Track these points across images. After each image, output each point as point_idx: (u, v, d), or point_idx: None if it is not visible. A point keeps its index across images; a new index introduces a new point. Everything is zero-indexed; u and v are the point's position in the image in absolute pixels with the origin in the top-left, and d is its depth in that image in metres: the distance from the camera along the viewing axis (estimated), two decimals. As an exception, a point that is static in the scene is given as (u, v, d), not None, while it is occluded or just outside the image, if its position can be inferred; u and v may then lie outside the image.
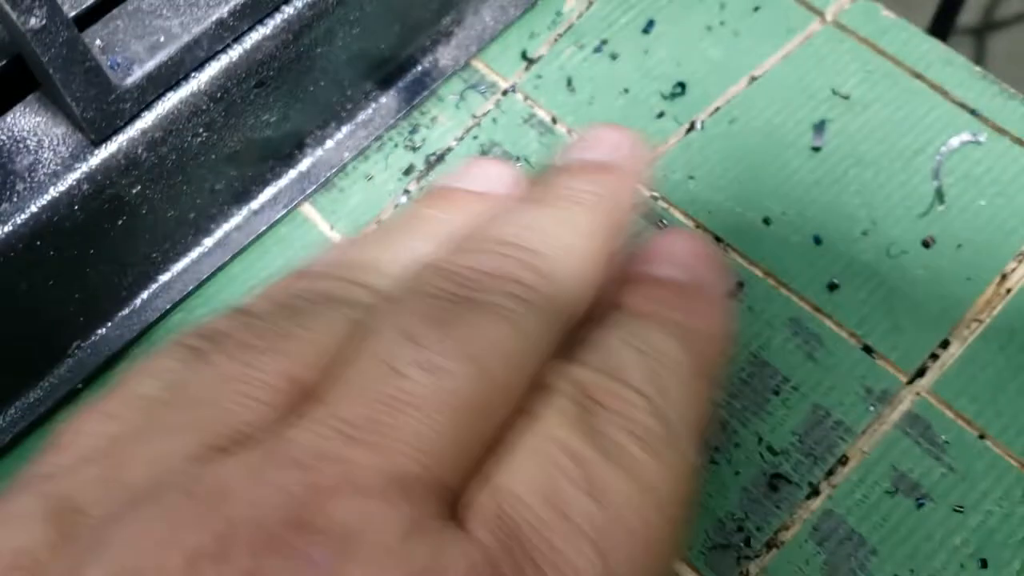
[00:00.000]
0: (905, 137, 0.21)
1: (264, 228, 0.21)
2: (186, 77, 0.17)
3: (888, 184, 0.20)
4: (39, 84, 0.17)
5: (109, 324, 0.20)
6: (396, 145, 0.22)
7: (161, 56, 0.17)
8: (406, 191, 0.21)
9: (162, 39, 0.17)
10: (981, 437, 0.18)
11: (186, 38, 0.17)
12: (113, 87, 0.16)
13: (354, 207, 0.21)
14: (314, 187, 0.21)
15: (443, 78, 0.22)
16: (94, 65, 0.16)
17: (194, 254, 0.20)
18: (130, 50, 0.17)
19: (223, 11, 0.17)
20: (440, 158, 0.21)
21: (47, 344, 0.19)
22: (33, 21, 0.15)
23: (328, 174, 0.21)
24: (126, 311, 0.20)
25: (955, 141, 0.21)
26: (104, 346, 0.20)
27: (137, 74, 0.17)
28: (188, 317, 0.20)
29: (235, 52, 0.18)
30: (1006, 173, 0.20)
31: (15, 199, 0.17)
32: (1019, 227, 0.20)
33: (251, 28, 0.18)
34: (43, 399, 0.19)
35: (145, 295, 0.20)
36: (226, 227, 0.20)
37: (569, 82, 0.22)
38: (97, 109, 0.16)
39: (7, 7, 0.14)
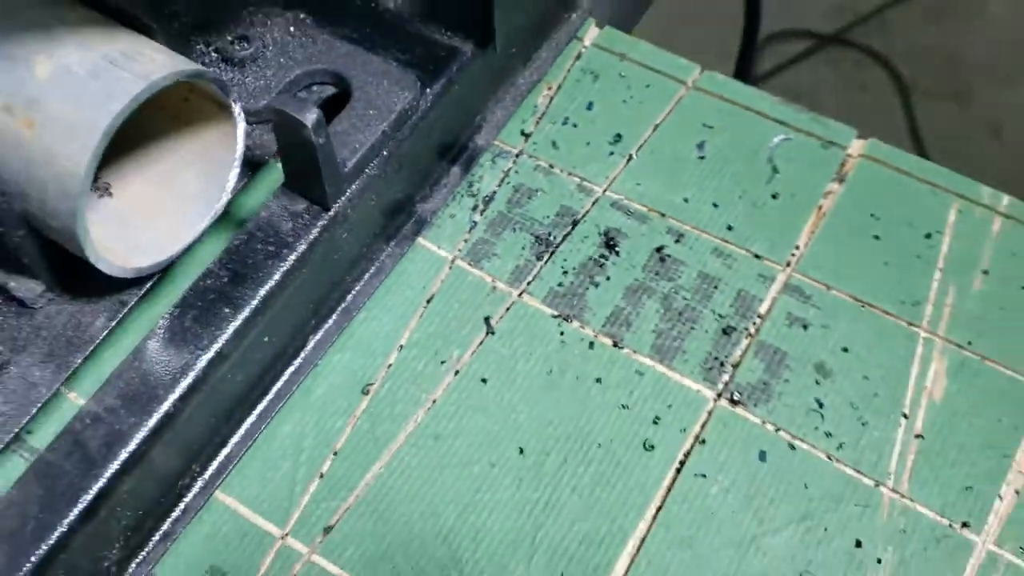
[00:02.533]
0: (750, 140, 0.37)
1: (403, 253, 0.34)
2: (379, 160, 0.31)
3: (743, 160, 0.36)
4: (292, 179, 0.30)
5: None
6: (463, 195, 0.36)
7: (359, 155, 0.31)
8: (473, 221, 0.35)
9: (356, 145, 0.31)
10: (829, 289, 0.33)
11: (369, 142, 0.31)
12: (343, 174, 0.30)
13: (450, 234, 0.35)
14: (423, 227, 0.35)
15: (482, 153, 0.36)
16: (337, 160, 0.30)
17: (364, 276, 0.34)
18: (343, 151, 0.31)
19: (385, 126, 0.31)
20: (491, 198, 0.36)
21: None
22: (320, 142, 0.28)
23: (430, 217, 0.35)
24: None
25: (777, 139, 0.37)
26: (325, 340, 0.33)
27: (349, 164, 0.31)
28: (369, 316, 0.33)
29: (388, 150, 0.32)
30: (805, 150, 0.36)
31: (284, 250, 0.30)
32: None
33: (397, 133, 0.32)
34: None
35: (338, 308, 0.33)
36: (381, 256, 0.34)
37: (553, 143, 0.37)
38: (333, 186, 0.30)
39: (312, 135, 0.28)
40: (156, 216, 0.29)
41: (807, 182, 0.36)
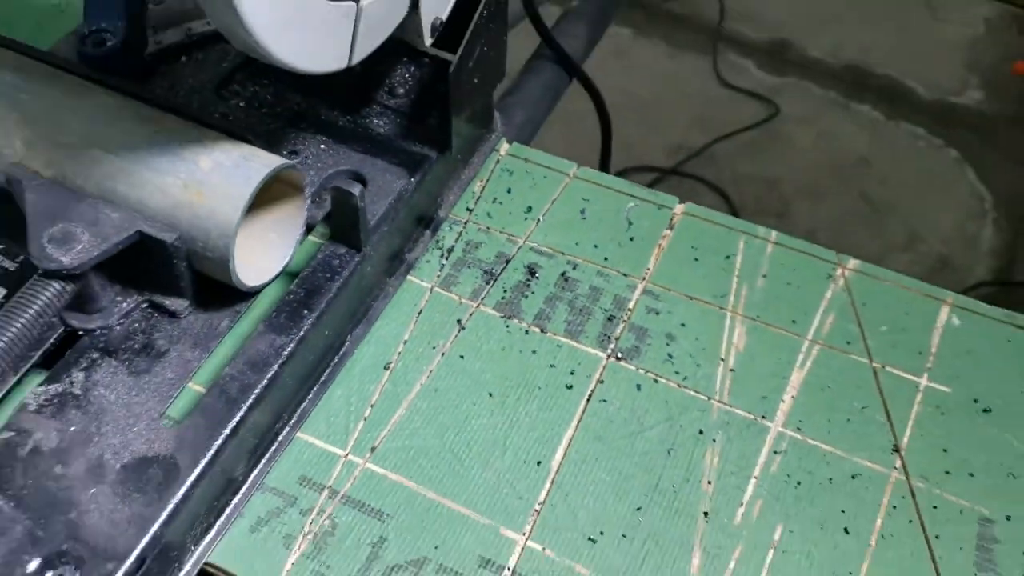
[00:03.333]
0: (613, 206, 0.57)
1: (400, 284, 0.52)
2: (386, 221, 0.50)
3: (610, 219, 0.56)
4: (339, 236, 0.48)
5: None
6: (434, 248, 0.55)
7: (376, 217, 0.49)
8: (442, 263, 0.54)
9: (374, 212, 0.49)
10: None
11: (381, 211, 0.50)
12: (368, 229, 0.48)
13: (427, 272, 0.54)
14: (411, 268, 0.53)
15: (443, 221, 0.56)
16: (368, 219, 0.48)
17: (379, 297, 0.51)
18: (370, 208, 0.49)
19: (390, 200, 0.50)
20: (451, 249, 0.55)
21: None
22: (362, 205, 0.46)
23: (415, 262, 0.54)
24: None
25: (630, 206, 0.57)
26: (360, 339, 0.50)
27: (372, 223, 0.49)
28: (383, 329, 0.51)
29: (391, 217, 0.51)
30: (648, 212, 0.57)
31: (335, 276, 0.48)
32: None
33: (396, 206, 0.51)
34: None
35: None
36: (387, 286, 0.52)
37: (488, 214, 0.57)
38: (364, 236, 0.48)
39: (359, 201, 0.46)
40: (259, 253, 0.47)
41: (651, 230, 0.56)
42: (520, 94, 0.65)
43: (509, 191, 0.58)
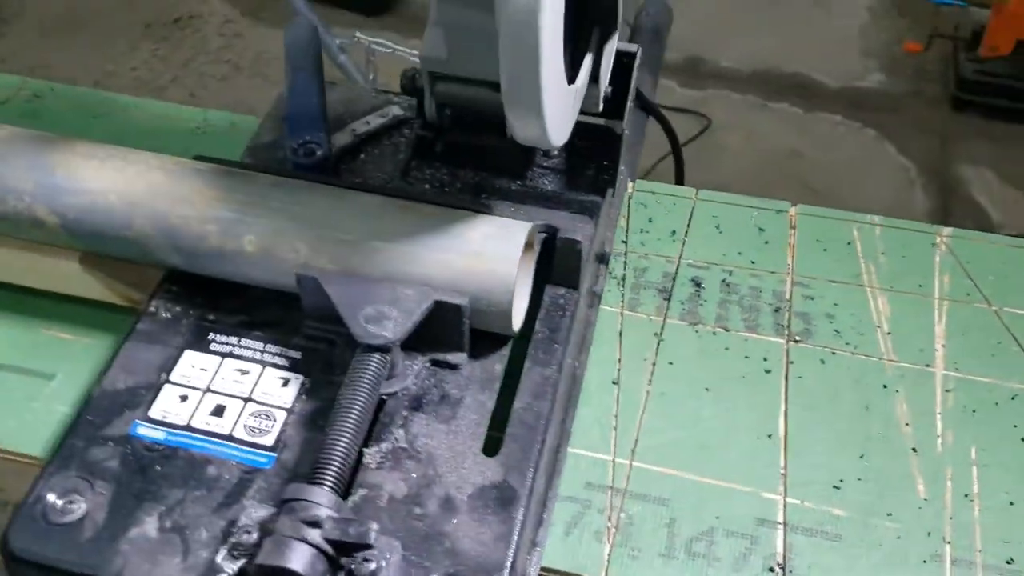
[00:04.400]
0: (739, 215, 0.67)
1: (596, 314, 0.61)
2: (586, 262, 0.59)
3: (742, 226, 0.66)
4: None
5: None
6: (610, 280, 0.64)
7: (580, 263, 0.58)
8: (622, 292, 0.63)
9: (577, 257, 0.58)
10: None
11: (580, 258, 0.58)
12: (579, 271, 0.57)
13: (613, 302, 0.62)
14: (600, 299, 0.62)
15: (610, 255, 0.65)
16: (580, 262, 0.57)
17: (589, 324, 0.60)
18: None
19: (583, 246, 0.59)
20: (624, 278, 0.64)
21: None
22: (584, 251, 0.55)
23: (601, 295, 0.62)
24: (577, 352, 0.59)
25: (754, 214, 0.68)
26: (578, 364, 0.58)
27: (580, 267, 0.58)
28: (591, 349, 0.60)
29: (585, 260, 0.59)
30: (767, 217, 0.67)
31: (566, 310, 0.56)
32: (783, 230, 0.67)
33: (587, 251, 0.59)
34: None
35: (577, 347, 0.59)
36: (591, 314, 0.61)
37: (641, 243, 0.66)
38: (578, 277, 0.57)
39: (584, 248, 0.55)
40: (515, 302, 0.55)
41: (778, 232, 0.67)
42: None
43: (651, 220, 0.68)
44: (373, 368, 0.49)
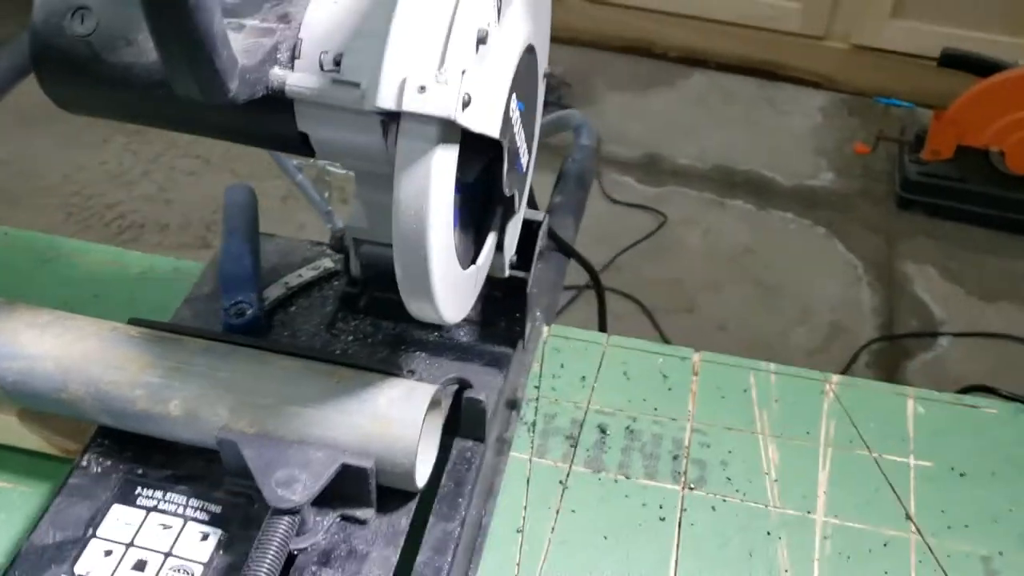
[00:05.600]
0: (647, 362, 0.72)
1: (505, 460, 0.65)
2: (494, 414, 0.63)
3: (646, 372, 0.71)
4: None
5: (486, 502, 0.63)
6: (520, 426, 0.68)
7: (488, 410, 0.63)
8: (531, 439, 0.67)
9: (482, 406, 0.63)
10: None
11: (490, 404, 0.63)
12: (487, 424, 0.62)
13: (522, 448, 0.67)
14: (510, 447, 0.66)
15: (522, 401, 0.69)
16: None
17: (495, 483, 0.64)
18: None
19: (493, 397, 0.64)
20: (534, 424, 0.68)
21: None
22: (485, 405, 0.60)
23: (511, 442, 0.67)
24: (485, 499, 0.63)
25: (660, 361, 0.73)
26: (486, 511, 0.63)
27: (485, 417, 0.62)
28: (500, 495, 0.64)
29: (495, 408, 0.64)
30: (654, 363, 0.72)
31: (471, 478, 0.61)
32: (686, 376, 0.72)
33: (495, 399, 0.64)
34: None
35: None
36: (497, 470, 0.65)
37: (552, 388, 0.71)
38: (488, 430, 0.61)
39: (486, 403, 0.59)
40: (420, 459, 0.59)
41: (681, 379, 0.72)
42: (541, 280, 0.80)
43: (562, 366, 0.72)
44: (282, 529, 0.53)
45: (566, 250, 0.83)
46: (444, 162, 0.46)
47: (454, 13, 0.43)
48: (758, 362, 0.73)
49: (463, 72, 0.43)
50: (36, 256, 0.77)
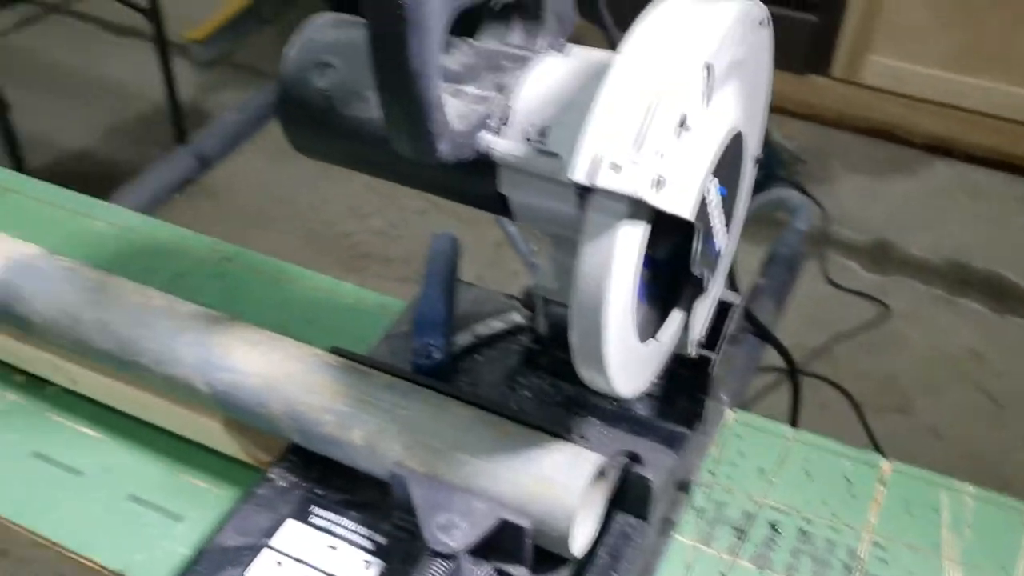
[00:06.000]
0: (837, 467, 0.69)
1: (669, 542, 0.64)
2: (661, 494, 0.62)
3: (830, 477, 0.68)
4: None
5: None
6: (689, 509, 0.67)
7: (655, 495, 0.62)
8: (698, 524, 0.66)
9: (658, 490, 0.62)
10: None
11: (656, 485, 0.62)
12: (653, 502, 0.61)
13: (687, 532, 0.65)
14: (673, 527, 0.65)
15: (693, 484, 0.68)
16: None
17: (654, 564, 0.63)
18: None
19: (662, 477, 0.63)
20: (703, 510, 0.67)
21: None
22: (657, 485, 0.59)
23: (677, 524, 0.65)
24: None
25: (846, 464, 0.69)
26: None
27: (654, 494, 0.61)
28: None
29: (663, 486, 0.63)
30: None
31: (629, 555, 0.60)
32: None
33: (668, 480, 0.63)
34: None
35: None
36: (660, 551, 0.64)
37: (728, 476, 0.69)
38: (652, 509, 0.60)
39: (654, 483, 0.59)
40: (580, 527, 0.59)
41: (866, 486, 0.68)
42: (731, 363, 0.78)
43: (742, 454, 0.70)
44: (437, 572, 0.54)
45: (764, 335, 0.81)
46: (631, 239, 0.46)
47: (657, 98, 0.44)
48: (954, 481, 0.68)
49: (660, 154, 0.44)
50: (265, 278, 0.84)
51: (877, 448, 1.79)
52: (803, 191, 2.32)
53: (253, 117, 0.97)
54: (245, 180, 2.38)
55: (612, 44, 0.61)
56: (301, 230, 2.27)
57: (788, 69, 2.50)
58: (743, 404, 0.76)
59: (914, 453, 1.91)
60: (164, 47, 2.24)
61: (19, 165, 2.02)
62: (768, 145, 2.36)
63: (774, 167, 2.27)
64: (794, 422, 0.83)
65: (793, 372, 0.82)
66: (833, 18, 2.42)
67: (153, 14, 2.20)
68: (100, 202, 0.93)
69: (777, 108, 2.84)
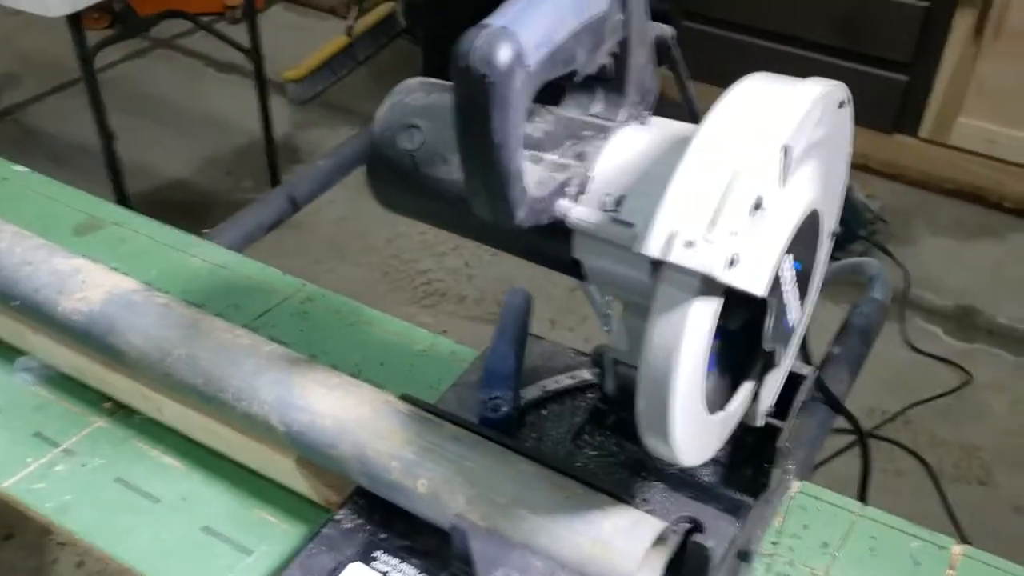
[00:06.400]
0: (904, 546, 0.68)
1: (725, 612, 0.64)
2: (720, 563, 0.62)
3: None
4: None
5: None
6: (749, 579, 0.66)
7: (715, 559, 0.62)
8: (756, 593, 0.65)
9: (713, 557, 0.62)
10: None
11: (722, 548, 0.62)
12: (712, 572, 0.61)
13: (746, 601, 0.65)
14: (731, 597, 0.65)
15: (755, 554, 0.67)
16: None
17: (709, 624, 0.63)
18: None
19: (724, 546, 0.62)
20: (764, 580, 0.66)
21: None
22: (715, 555, 0.59)
23: (735, 591, 0.65)
24: None
25: (914, 545, 0.68)
26: None
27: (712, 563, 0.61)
28: None
29: (728, 555, 0.63)
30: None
31: (683, 609, 0.60)
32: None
33: (730, 549, 0.63)
34: None
35: None
36: (717, 613, 0.64)
37: (791, 548, 0.68)
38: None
39: (713, 556, 0.59)
40: None
41: (935, 569, 0.66)
42: (800, 433, 0.78)
43: (805, 527, 0.70)
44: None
45: (834, 405, 0.80)
46: (702, 313, 0.47)
47: (733, 177, 0.45)
48: (1028, 572, 0.66)
49: (734, 233, 0.44)
50: (341, 319, 0.87)
51: (952, 519, 1.74)
52: (885, 251, 2.29)
53: (344, 164, 1.01)
54: (328, 214, 2.44)
55: (689, 103, 0.62)
56: (376, 265, 2.32)
57: (876, 128, 2.47)
58: (812, 469, 0.75)
59: (993, 528, 1.85)
60: (263, 85, 2.33)
61: (121, 191, 2.11)
62: (850, 203, 2.33)
63: (855, 226, 2.24)
64: (863, 496, 0.82)
65: (864, 443, 0.81)
66: (924, 78, 2.38)
67: (254, 53, 2.29)
68: (196, 238, 0.97)
69: (862, 167, 2.82)
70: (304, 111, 2.88)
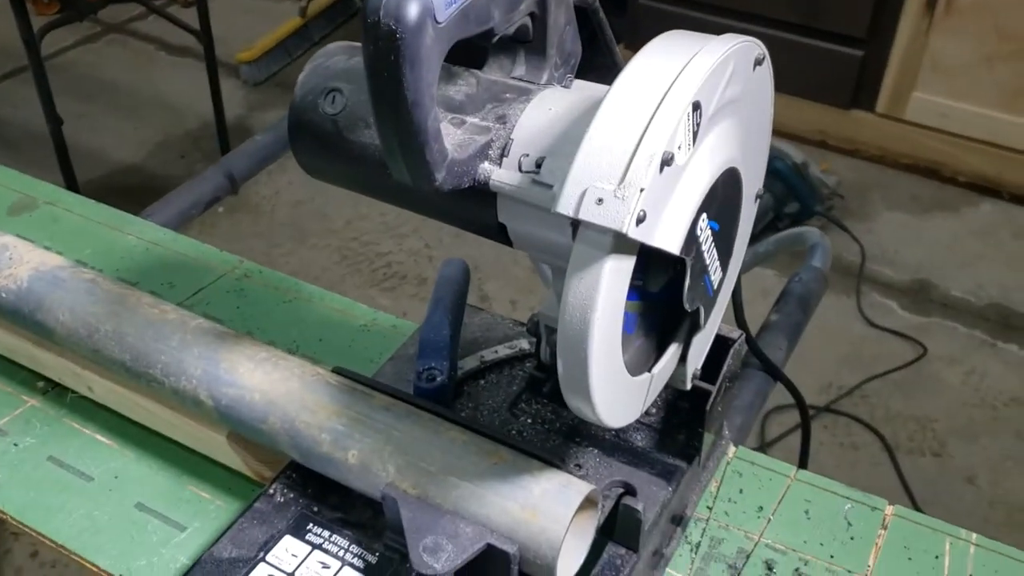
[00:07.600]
0: (839, 509, 0.68)
1: (659, 576, 0.64)
2: (654, 526, 0.62)
3: (827, 517, 0.67)
4: (619, 538, 0.61)
5: None
6: (683, 544, 0.66)
7: (649, 521, 0.62)
8: (692, 559, 0.65)
9: (646, 520, 0.62)
10: None
11: (651, 516, 0.62)
12: (644, 534, 0.61)
13: (681, 567, 0.65)
14: (667, 563, 0.65)
15: (690, 519, 0.68)
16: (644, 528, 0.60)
17: (643, 588, 0.63)
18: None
19: (659, 507, 0.63)
20: (698, 545, 0.66)
21: None
22: (643, 519, 0.59)
23: (670, 558, 0.65)
24: None
25: (848, 506, 0.68)
26: None
27: (645, 527, 0.61)
28: None
29: (661, 519, 0.63)
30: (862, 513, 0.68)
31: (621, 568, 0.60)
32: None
33: (662, 513, 0.63)
34: None
35: None
36: (651, 577, 0.64)
37: (726, 512, 0.68)
38: (642, 540, 0.60)
39: (639, 513, 0.59)
40: (565, 556, 0.59)
41: (867, 530, 0.67)
42: (737, 401, 0.78)
43: (741, 491, 0.70)
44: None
45: (772, 372, 0.80)
46: (615, 272, 0.47)
47: (642, 135, 0.44)
48: (959, 529, 0.66)
49: (643, 190, 0.44)
50: (279, 296, 0.86)
51: (907, 490, 1.76)
52: (842, 227, 2.31)
53: (283, 138, 0.99)
54: (286, 196, 2.42)
55: (618, 68, 0.61)
56: (335, 248, 2.31)
57: (832, 103, 2.49)
58: (761, 443, 0.76)
59: (946, 499, 1.88)
60: (213, 67, 2.30)
61: (71, 177, 2.08)
62: (807, 179, 2.34)
63: (812, 202, 2.25)
64: (803, 462, 0.82)
65: (803, 411, 0.81)
66: (879, 53, 2.40)
67: (204, 35, 2.26)
68: (132, 216, 0.96)
69: (820, 143, 2.83)
70: (258, 92, 2.84)
